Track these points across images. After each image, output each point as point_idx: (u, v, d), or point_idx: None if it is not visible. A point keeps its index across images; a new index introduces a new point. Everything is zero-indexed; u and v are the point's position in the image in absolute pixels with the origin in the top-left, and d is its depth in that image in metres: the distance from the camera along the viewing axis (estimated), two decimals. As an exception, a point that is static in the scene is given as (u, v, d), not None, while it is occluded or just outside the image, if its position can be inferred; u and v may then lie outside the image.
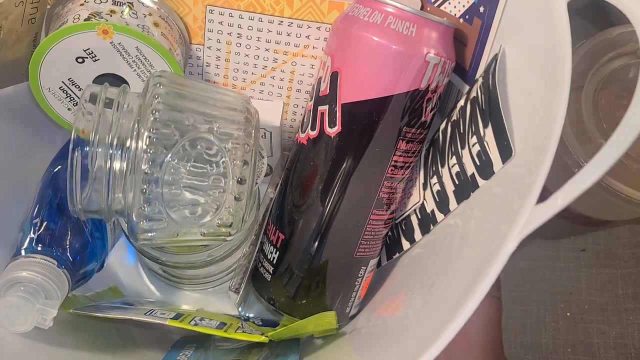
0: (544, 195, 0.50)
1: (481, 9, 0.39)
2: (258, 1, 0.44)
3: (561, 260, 0.57)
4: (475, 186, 0.36)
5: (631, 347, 0.54)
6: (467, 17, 0.40)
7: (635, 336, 0.54)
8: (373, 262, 0.44)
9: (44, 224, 0.40)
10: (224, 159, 0.36)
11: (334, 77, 0.40)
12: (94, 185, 0.35)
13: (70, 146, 0.34)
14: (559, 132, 0.28)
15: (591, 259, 0.56)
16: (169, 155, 0.34)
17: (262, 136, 0.49)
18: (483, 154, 0.35)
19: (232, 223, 0.37)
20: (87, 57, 0.40)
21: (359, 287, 0.44)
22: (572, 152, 0.43)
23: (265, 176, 0.51)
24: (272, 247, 0.44)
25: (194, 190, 0.36)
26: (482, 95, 0.36)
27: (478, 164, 0.36)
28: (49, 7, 0.44)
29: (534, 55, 0.33)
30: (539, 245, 0.57)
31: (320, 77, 0.41)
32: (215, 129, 0.36)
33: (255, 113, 0.38)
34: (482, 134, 0.35)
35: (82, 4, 0.41)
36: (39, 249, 0.39)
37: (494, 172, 0.34)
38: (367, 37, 0.38)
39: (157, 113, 0.34)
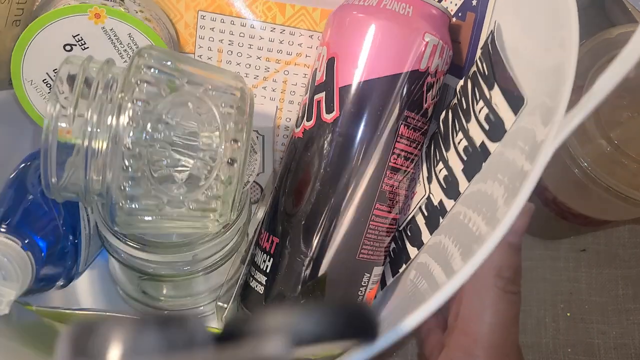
0: (543, 196, 0.50)
1: (474, 2, 0.39)
2: (250, 7, 0.44)
3: (561, 260, 0.56)
4: (486, 154, 0.35)
5: (631, 348, 0.54)
6: (459, 14, 0.40)
7: (636, 336, 0.54)
8: (377, 272, 0.42)
9: (14, 207, 0.38)
10: (215, 118, 0.34)
11: (330, 63, 0.39)
12: (72, 166, 0.33)
13: (45, 122, 0.32)
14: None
15: (591, 259, 0.56)
16: (157, 112, 0.32)
17: (255, 138, 0.48)
18: (492, 114, 0.34)
19: (222, 195, 0.34)
20: (75, 45, 0.39)
21: (363, 299, 0.42)
22: (572, 152, 0.43)
23: (255, 202, 0.50)
24: (265, 254, 0.41)
25: (182, 151, 0.33)
26: (483, 64, 0.35)
27: (487, 128, 0.35)
28: (35, 9, 0.42)
29: (533, 25, 0.33)
30: (539, 246, 0.57)
31: (316, 69, 0.40)
32: (208, 88, 0.34)
33: (249, 91, 0.37)
34: (488, 96, 0.34)
35: (72, -4, 0.40)
36: (3, 229, 0.36)
37: (505, 131, 0.33)
38: (364, 17, 0.38)
39: (146, 69, 0.32)
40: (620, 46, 0.43)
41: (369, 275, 0.41)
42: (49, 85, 0.40)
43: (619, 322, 0.55)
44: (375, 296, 0.43)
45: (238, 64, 0.46)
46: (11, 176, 0.41)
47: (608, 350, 0.54)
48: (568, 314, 0.55)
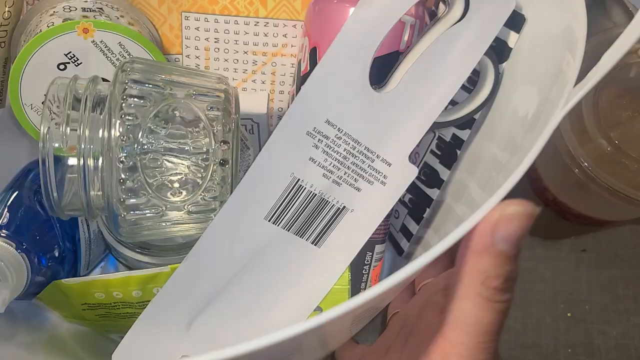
0: (544, 196, 0.51)
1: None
2: (232, 4, 0.45)
3: (562, 260, 0.58)
4: None
5: (632, 348, 0.56)
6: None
7: (636, 337, 0.56)
8: (379, 250, 0.45)
9: (10, 212, 0.40)
10: (203, 122, 0.36)
11: (313, 52, 0.41)
12: (71, 185, 0.35)
13: (40, 144, 0.34)
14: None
15: (592, 260, 0.58)
16: (146, 123, 0.34)
17: (249, 131, 0.50)
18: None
19: (218, 195, 0.36)
20: (69, 62, 0.41)
21: (368, 277, 0.45)
22: (572, 152, 0.44)
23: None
24: None
25: (175, 158, 0.35)
26: None
27: None
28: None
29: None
30: (540, 246, 0.58)
31: (300, 59, 0.43)
32: (192, 94, 0.36)
33: (234, 89, 0.39)
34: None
35: (52, 14, 0.42)
36: (3, 234, 0.39)
37: None
38: (341, 5, 0.39)
39: (131, 83, 0.35)
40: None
41: (371, 253, 0.44)
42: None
43: (619, 322, 0.56)
44: (381, 272, 0.46)
45: (226, 60, 0.48)
46: (9, 184, 0.43)
47: (609, 350, 0.56)
48: (568, 314, 0.57)
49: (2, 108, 0.47)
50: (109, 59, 0.41)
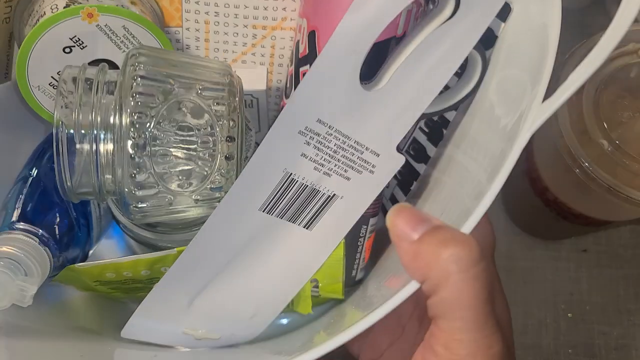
0: (545, 196, 0.51)
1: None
2: (232, -24, 0.46)
3: (562, 260, 0.59)
4: None
5: (632, 348, 0.57)
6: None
7: (637, 337, 0.57)
8: (373, 222, 0.46)
9: (27, 203, 0.42)
10: (209, 118, 0.37)
11: (312, 36, 0.41)
12: (82, 169, 0.37)
13: (54, 130, 0.36)
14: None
15: (592, 260, 0.59)
16: (155, 119, 0.36)
17: (249, 105, 0.51)
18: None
19: (223, 186, 0.38)
20: (74, 46, 0.42)
21: (362, 247, 0.46)
22: (573, 152, 0.44)
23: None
24: None
25: (183, 152, 0.37)
26: None
27: None
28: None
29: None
30: (540, 246, 0.59)
31: (298, 40, 0.43)
32: (198, 90, 0.37)
33: (238, 79, 0.40)
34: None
35: (55, -6, 0.43)
36: (21, 226, 0.40)
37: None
38: None
39: (139, 79, 0.36)
40: (621, 46, 0.45)
41: (366, 226, 0.46)
42: (54, 86, 0.43)
43: (620, 322, 0.58)
44: (373, 244, 0.48)
45: (226, 33, 0.49)
46: (23, 169, 0.45)
47: (609, 350, 0.57)
48: (569, 315, 0.58)
49: (9, 81, 0.48)
50: (113, 42, 0.42)
